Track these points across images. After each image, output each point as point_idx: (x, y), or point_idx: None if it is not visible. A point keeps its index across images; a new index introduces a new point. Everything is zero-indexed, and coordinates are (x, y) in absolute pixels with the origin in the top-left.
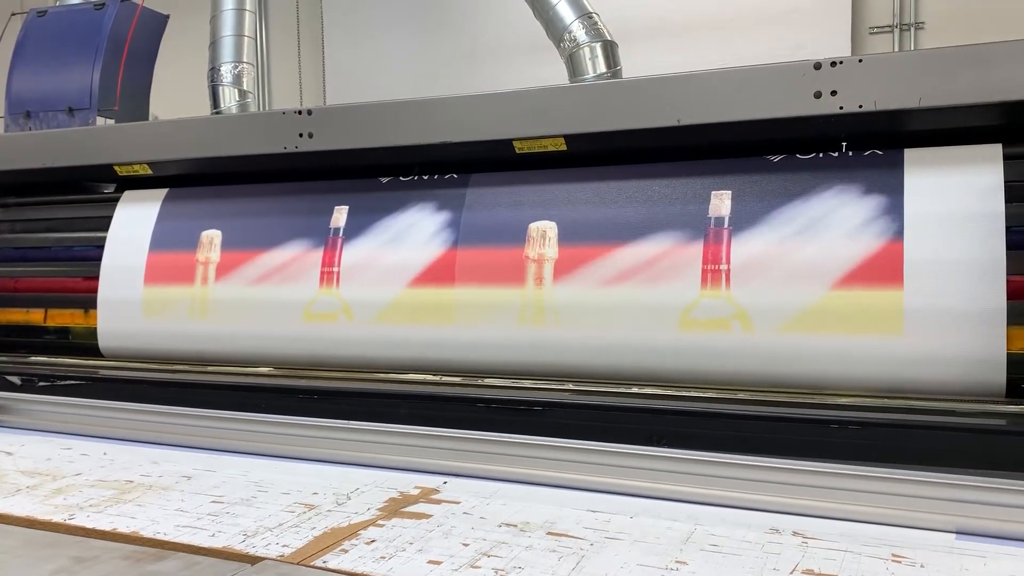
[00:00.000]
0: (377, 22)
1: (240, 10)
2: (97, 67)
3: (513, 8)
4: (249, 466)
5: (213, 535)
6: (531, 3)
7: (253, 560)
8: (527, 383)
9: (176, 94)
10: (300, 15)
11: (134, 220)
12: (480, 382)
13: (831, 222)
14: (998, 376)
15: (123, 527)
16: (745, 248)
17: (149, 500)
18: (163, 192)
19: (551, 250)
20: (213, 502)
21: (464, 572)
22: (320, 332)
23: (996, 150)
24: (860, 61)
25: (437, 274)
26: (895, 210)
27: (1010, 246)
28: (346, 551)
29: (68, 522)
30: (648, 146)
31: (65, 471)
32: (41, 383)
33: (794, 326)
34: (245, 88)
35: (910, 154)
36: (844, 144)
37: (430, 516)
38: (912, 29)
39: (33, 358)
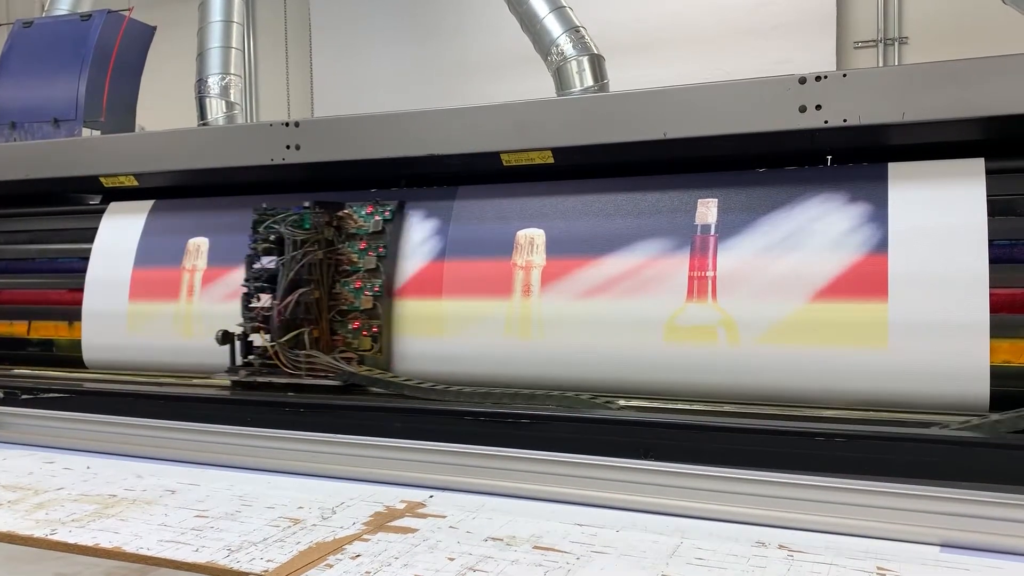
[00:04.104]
0: (365, 34)
1: (228, 22)
2: (83, 78)
3: (501, 21)
4: (234, 480)
5: (197, 550)
6: (519, 16)
7: (238, 575)
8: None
9: (163, 106)
10: (288, 27)
11: (120, 232)
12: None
13: (815, 235)
14: (981, 388)
15: (106, 542)
16: (730, 258)
17: (132, 515)
18: (149, 204)
19: (539, 257)
20: (197, 516)
21: None
22: None
23: (978, 164)
24: (844, 76)
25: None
26: (880, 223)
27: (992, 259)
28: (331, 566)
29: (50, 537)
30: (635, 159)
31: (47, 485)
32: (24, 396)
33: (779, 336)
34: (232, 100)
35: (894, 168)
36: (829, 158)
37: (416, 530)
38: (896, 44)
39: (16, 370)
